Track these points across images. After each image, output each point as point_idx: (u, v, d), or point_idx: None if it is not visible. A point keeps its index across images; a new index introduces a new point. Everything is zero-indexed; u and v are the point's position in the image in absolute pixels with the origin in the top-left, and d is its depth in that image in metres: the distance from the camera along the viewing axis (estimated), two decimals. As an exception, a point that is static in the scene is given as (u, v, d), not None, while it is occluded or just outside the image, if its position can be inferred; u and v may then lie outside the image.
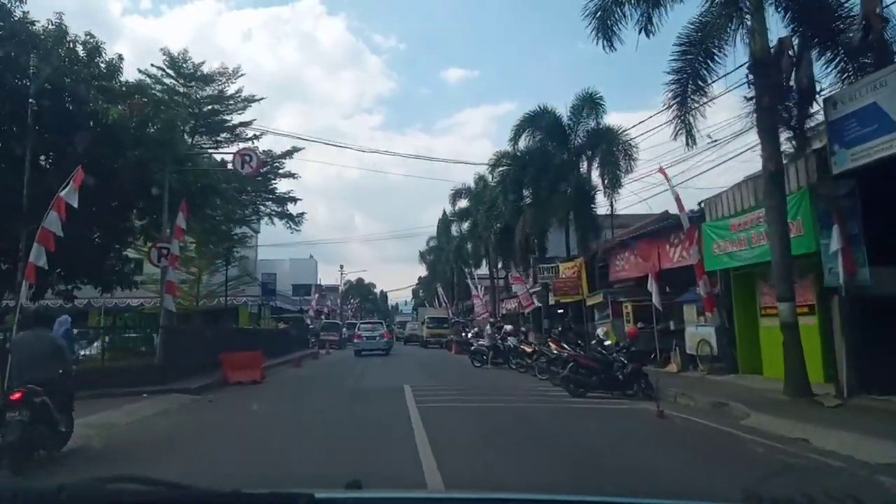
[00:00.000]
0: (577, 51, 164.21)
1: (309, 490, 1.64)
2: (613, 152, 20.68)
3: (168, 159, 18.55)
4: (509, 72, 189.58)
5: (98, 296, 40.78)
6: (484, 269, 49.50)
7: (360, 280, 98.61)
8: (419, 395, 13.96)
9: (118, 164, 17.59)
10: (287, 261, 70.67)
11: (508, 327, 24.79)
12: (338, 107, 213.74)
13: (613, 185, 20.76)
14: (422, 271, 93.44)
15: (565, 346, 18.04)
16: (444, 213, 72.17)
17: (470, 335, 36.57)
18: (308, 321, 47.23)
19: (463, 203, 39.82)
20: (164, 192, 18.81)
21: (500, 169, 26.22)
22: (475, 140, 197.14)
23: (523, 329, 25.29)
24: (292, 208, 30.93)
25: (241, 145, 29.71)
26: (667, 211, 31.25)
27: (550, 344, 19.65)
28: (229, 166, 21.41)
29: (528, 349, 20.33)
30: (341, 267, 70.33)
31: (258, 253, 65.86)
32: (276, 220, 31.24)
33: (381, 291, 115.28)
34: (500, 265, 40.13)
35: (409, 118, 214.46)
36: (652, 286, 17.53)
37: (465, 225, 40.22)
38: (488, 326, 23.39)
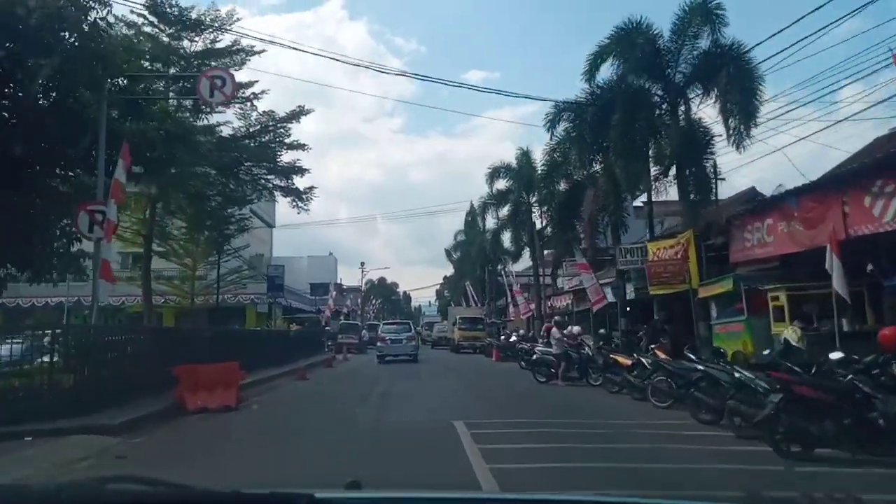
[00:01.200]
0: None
1: (309, 490, 1.57)
2: (744, 77, 14.06)
3: (99, 80, 12.32)
4: (531, 73, 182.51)
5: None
6: (521, 264, 43.01)
7: (382, 280, 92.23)
8: (487, 447, 7.56)
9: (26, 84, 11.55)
10: (305, 258, 64.77)
11: (576, 329, 18.28)
12: (359, 110, 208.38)
13: (746, 123, 14.06)
14: (446, 271, 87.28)
15: (693, 356, 11.55)
16: (472, 205, 65.71)
17: (513, 338, 30.10)
18: (324, 322, 40.99)
19: (501, 184, 33.31)
20: (100, 129, 12.63)
21: (568, 115, 19.68)
22: (498, 142, 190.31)
23: (601, 331, 18.73)
24: (300, 182, 24.60)
25: (238, 107, 23.97)
26: (753, 188, 24.59)
27: (658, 353, 13.20)
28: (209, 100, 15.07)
29: (626, 361, 13.80)
30: (362, 264, 63.93)
31: (273, 249, 60.21)
32: (279, 196, 24.88)
33: (405, 293, 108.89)
34: (544, 256, 33.49)
35: (431, 121, 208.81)
36: (833, 264, 10.89)
37: (505, 210, 33.69)
38: (555, 329, 16.83)
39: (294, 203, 24.92)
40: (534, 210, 32.64)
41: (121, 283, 31.66)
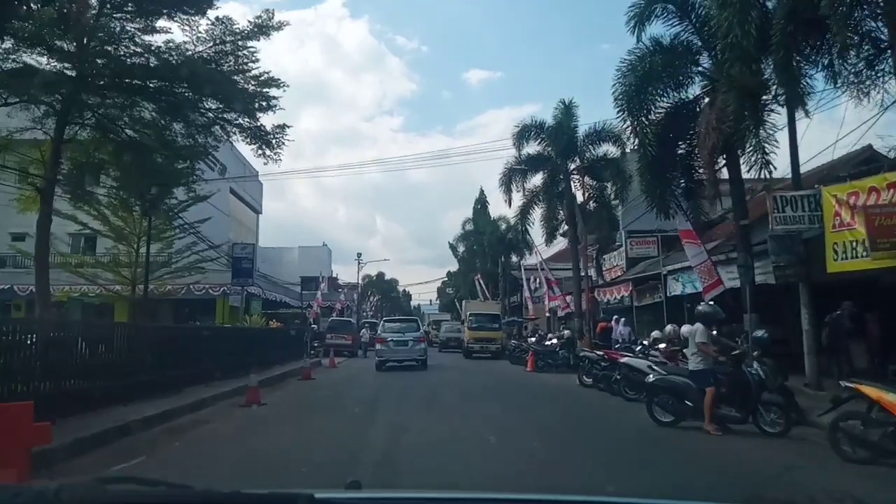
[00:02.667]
0: (601, 52, 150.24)
1: (309, 490, 1.47)
2: None
3: None
4: (533, 73, 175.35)
5: None
6: (539, 255, 35.46)
7: (380, 275, 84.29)
8: None
9: None
10: (296, 249, 57.08)
11: (685, 329, 10.82)
12: (359, 109, 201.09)
13: None
14: (448, 269, 79.40)
15: None
16: (482, 191, 57.99)
17: (552, 340, 22.52)
18: (311, 319, 33.38)
19: (533, 148, 25.69)
20: None
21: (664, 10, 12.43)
22: (498, 142, 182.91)
23: (758, 333, 11.12)
24: (267, 121, 17.00)
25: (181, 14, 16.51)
26: (870, 145, 17.23)
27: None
28: None
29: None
30: (359, 255, 56.06)
31: (259, 237, 52.65)
32: (241, 140, 17.33)
33: (404, 290, 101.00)
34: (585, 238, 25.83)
35: (431, 120, 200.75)
36: None
37: (537, 179, 26.05)
38: (699, 326, 8.96)
39: (260, 150, 17.36)
40: (573, 178, 25.19)
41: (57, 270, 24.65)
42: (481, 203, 53.89)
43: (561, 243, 30.08)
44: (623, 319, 18.81)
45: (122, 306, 30.09)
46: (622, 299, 21.84)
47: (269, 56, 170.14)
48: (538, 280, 40.34)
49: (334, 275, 58.92)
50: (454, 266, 66.90)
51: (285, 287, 42.24)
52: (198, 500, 1.54)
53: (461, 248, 56.26)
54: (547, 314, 33.67)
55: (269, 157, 17.19)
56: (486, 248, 45.66)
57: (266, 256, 53.50)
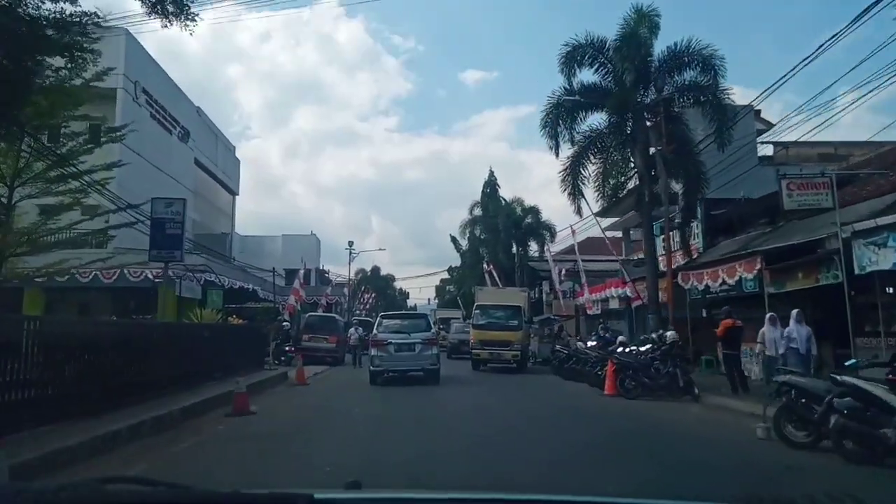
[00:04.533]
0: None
1: (308, 490, 1.42)
2: None
3: None
4: (529, 74, 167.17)
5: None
6: (561, 243, 27.74)
7: (375, 270, 76.14)
8: None
9: None
10: (279, 237, 49.00)
11: None
12: (354, 109, 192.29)
13: None
14: (445, 274, 71.20)
15: None
16: (491, 172, 49.79)
17: (637, 346, 14.79)
18: (285, 315, 25.41)
19: (587, 78, 17.99)
20: None
21: None
22: (493, 142, 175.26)
23: None
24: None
25: None
26: None
27: None
28: None
29: None
30: (350, 244, 47.73)
31: (234, 222, 44.79)
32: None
33: (401, 289, 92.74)
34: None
35: (426, 120, 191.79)
36: None
37: (599, 117, 18.31)
38: None
39: (161, 11, 9.50)
40: (647, 120, 17.53)
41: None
42: (491, 186, 46.23)
43: (593, 227, 22.45)
44: (796, 312, 11.02)
45: (36, 296, 22.26)
46: (740, 283, 14.10)
47: (265, 55, 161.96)
48: (562, 272, 32.77)
49: (322, 267, 50.90)
50: (457, 262, 59.13)
51: (263, 279, 34.14)
52: (198, 500, 1.48)
53: (465, 239, 48.19)
54: (590, 311, 25.85)
55: (172, 16, 9.38)
56: (502, 232, 37.95)
57: (245, 245, 45.80)
